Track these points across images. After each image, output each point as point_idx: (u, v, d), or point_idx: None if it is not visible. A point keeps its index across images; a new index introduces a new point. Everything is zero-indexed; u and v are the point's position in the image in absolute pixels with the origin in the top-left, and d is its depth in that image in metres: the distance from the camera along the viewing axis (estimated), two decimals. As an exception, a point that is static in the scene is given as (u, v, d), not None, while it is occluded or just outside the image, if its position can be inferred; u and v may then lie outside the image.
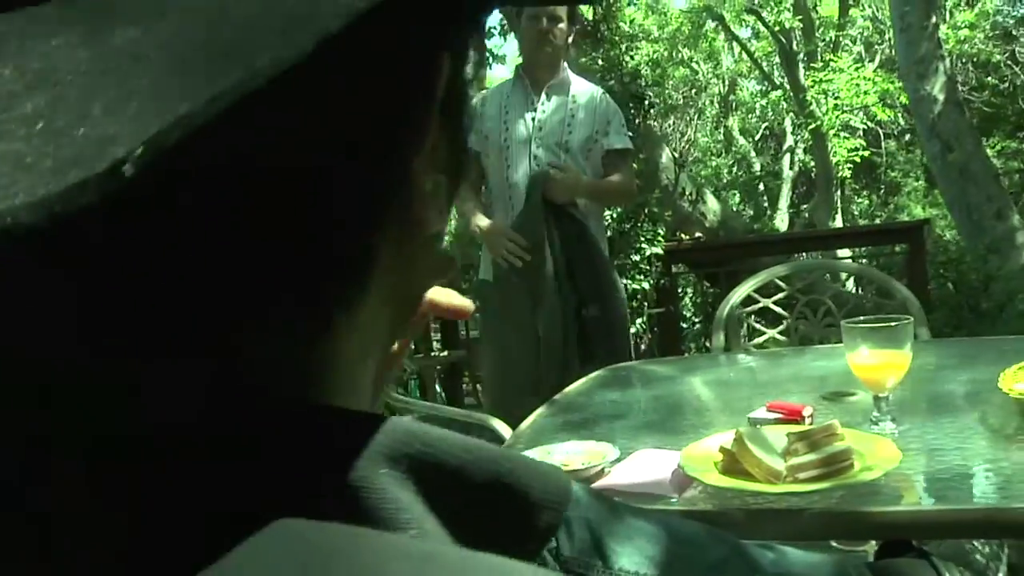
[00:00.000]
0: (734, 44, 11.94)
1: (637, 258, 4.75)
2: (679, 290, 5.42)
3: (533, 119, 2.66)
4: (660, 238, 4.77)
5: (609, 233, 4.70)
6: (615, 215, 4.70)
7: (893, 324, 1.29)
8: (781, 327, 2.74)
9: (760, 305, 2.75)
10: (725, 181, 12.77)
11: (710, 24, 11.39)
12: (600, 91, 2.83)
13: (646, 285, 4.76)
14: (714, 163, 12.86)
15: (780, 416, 1.35)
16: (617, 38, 4.76)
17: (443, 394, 5.98)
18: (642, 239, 4.76)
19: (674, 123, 13.53)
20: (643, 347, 5.26)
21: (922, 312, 2.38)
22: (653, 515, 1.06)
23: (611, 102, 2.81)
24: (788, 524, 0.96)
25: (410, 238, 0.32)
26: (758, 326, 2.74)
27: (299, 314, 0.28)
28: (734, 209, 11.20)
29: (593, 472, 1.22)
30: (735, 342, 2.65)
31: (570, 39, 2.70)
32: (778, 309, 2.75)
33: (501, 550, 0.25)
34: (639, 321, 4.83)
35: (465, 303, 0.57)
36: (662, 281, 4.82)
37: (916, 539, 1.14)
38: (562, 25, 2.62)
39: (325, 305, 0.28)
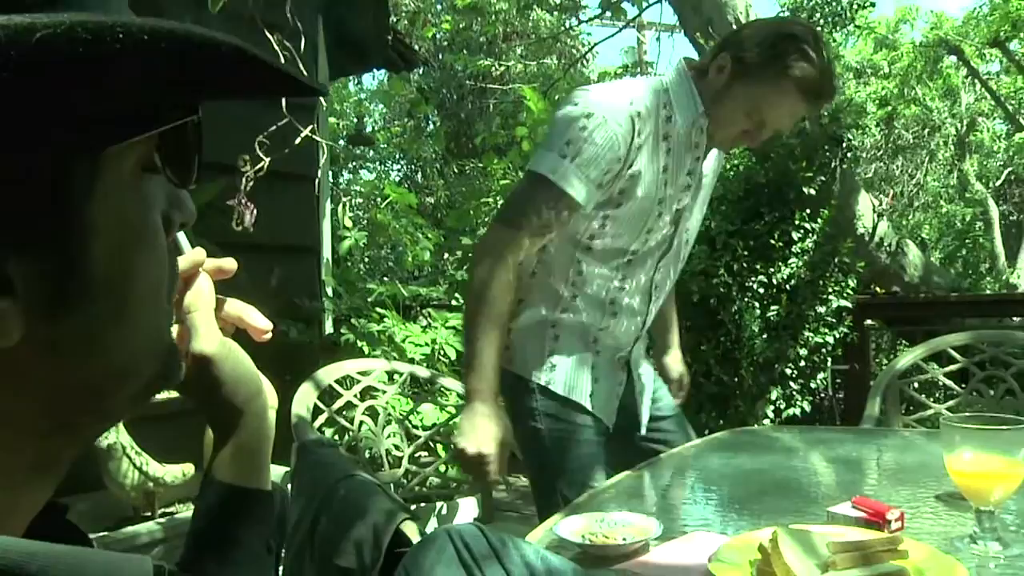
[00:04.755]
0: (975, 81, 10.92)
1: (823, 310, 4.44)
2: (871, 348, 4.99)
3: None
4: (850, 290, 4.42)
5: (793, 281, 4.42)
6: (801, 263, 4.42)
7: (1005, 427, 1.10)
8: (951, 403, 2.45)
9: (928, 376, 2.48)
10: (958, 229, 11.69)
11: (948, 59, 10.50)
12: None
13: (831, 339, 4.43)
14: (945, 209, 11.80)
15: (863, 515, 1.19)
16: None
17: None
18: (830, 290, 4.44)
19: (903, 165, 12.61)
20: (826, 404, 4.90)
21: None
22: None
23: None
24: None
25: None
26: (923, 399, 2.46)
27: None
28: (960, 259, 10.21)
29: (631, 549, 1.15)
30: (894, 413, 2.40)
31: None
32: (949, 382, 2.47)
33: None
34: (820, 376, 4.49)
35: (262, 324, 0.67)
36: (850, 337, 4.47)
37: None
38: None
39: None
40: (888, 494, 1.35)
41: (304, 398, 2.17)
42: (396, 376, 2.59)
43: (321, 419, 2.25)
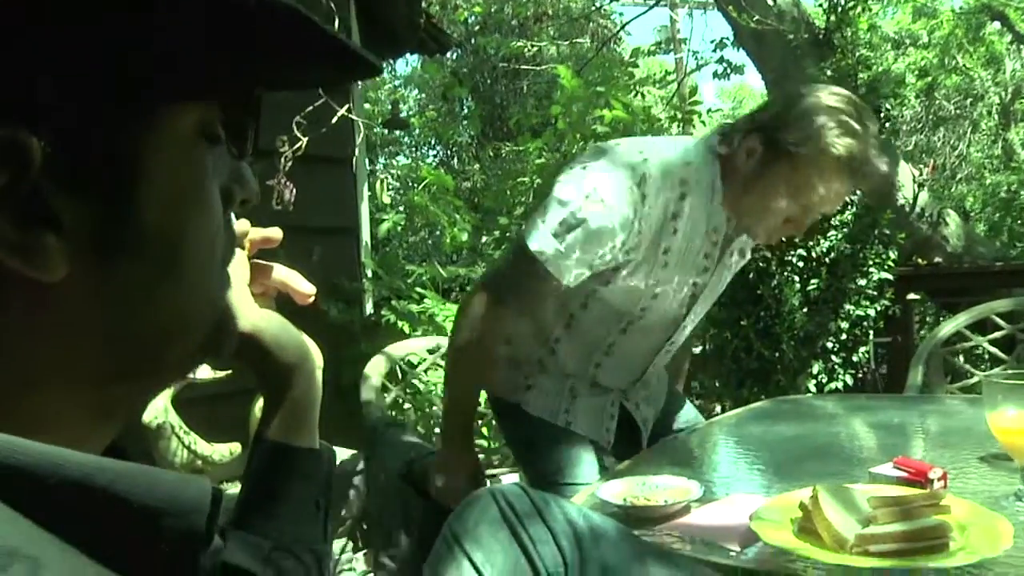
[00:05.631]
0: (1020, 46, 10.62)
1: (863, 282, 4.39)
2: (914, 321, 4.92)
3: None
4: (891, 262, 4.36)
5: (833, 254, 4.37)
6: (841, 235, 4.37)
7: (1047, 383, 1.10)
8: (996, 370, 2.41)
9: (972, 343, 2.45)
10: (1002, 198, 11.42)
11: (991, 26, 10.22)
12: None
13: (872, 312, 4.38)
14: (988, 180, 11.53)
15: (904, 475, 1.20)
16: (850, 46, 4.40)
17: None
18: (870, 262, 4.38)
19: (944, 136, 12.34)
20: (868, 378, 4.84)
21: None
22: (685, 566, 0.99)
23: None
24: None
25: (18, 287, 0.33)
26: (967, 368, 2.43)
27: None
28: (1006, 230, 9.98)
29: (672, 510, 1.16)
30: (937, 382, 2.38)
31: None
32: (994, 349, 2.44)
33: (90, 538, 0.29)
34: (862, 350, 4.45)
35: (306, 289, 0.70)
36: (892, 310, 4.41)
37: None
38: None
39: None
40: (931, 457, 1.35)
41: (375, 369, 2.21)
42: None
43: (388, 398, 2.28)
